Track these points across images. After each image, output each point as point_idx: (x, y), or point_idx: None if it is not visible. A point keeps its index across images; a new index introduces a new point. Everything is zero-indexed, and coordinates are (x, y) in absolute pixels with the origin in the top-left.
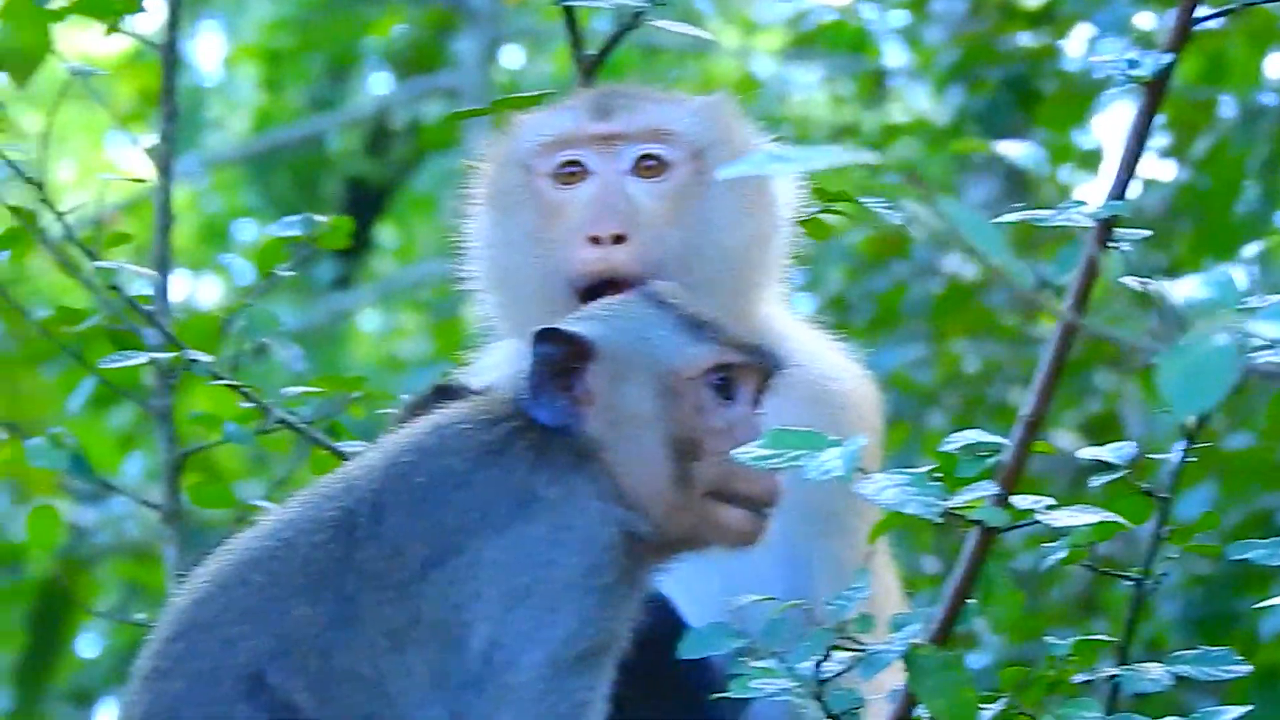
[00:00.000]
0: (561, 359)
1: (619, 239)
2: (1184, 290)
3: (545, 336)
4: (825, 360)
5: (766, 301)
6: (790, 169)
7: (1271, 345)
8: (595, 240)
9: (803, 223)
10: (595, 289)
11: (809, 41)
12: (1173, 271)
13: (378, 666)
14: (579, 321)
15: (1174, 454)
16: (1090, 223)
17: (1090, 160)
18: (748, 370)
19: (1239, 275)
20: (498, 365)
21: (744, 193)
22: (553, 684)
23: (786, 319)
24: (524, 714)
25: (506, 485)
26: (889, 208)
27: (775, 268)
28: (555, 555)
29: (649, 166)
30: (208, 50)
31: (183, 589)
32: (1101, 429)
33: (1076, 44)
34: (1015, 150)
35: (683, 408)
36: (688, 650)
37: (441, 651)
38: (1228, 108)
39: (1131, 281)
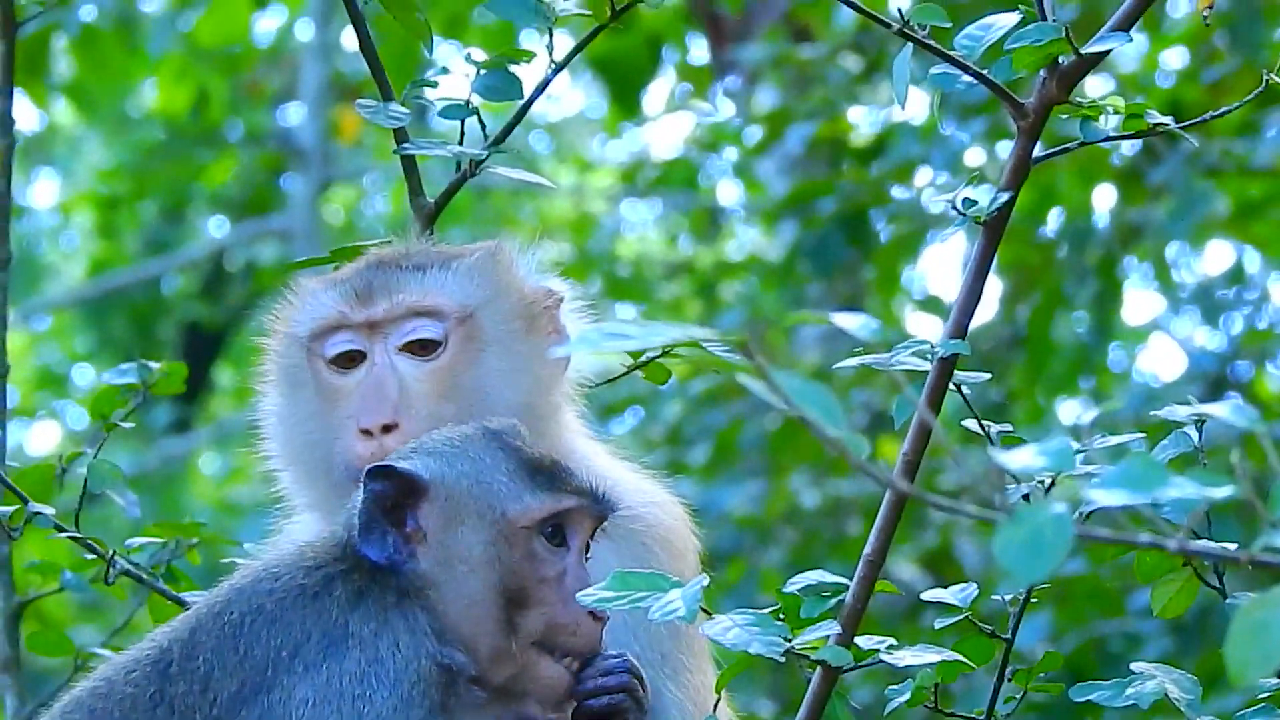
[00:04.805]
0: (394, 495)
1: (389, 428)
2: (1022, 459)
3: (378, 473)
4: (637, 493)
5: (564, 438)
6: (625, 348)
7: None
8: (367, 432)
9: (642, 367)
10: None
11: (633, 179)
12: (1009, 403)
13: None
14: (416, 457)
15: (1015, 593)
16: (926, 365)
17: (931, 305)
18: (582, 516)
19: (1075, 411)
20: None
21: (518, 347)
22: None
23: (595, 453)
24: None
25: (320, 624)
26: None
27: (565, 405)
28: (365, 690)
29: (421, 346)
30: (43, 196)
31: None
32: (937, 560)
33: (909, 181)
34: (850, 322)
35: (514, 556)
36: None
37: None
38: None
39: (971, 424)
